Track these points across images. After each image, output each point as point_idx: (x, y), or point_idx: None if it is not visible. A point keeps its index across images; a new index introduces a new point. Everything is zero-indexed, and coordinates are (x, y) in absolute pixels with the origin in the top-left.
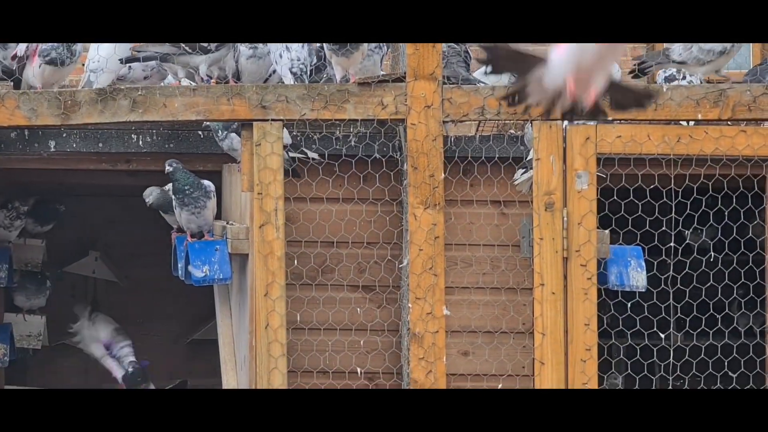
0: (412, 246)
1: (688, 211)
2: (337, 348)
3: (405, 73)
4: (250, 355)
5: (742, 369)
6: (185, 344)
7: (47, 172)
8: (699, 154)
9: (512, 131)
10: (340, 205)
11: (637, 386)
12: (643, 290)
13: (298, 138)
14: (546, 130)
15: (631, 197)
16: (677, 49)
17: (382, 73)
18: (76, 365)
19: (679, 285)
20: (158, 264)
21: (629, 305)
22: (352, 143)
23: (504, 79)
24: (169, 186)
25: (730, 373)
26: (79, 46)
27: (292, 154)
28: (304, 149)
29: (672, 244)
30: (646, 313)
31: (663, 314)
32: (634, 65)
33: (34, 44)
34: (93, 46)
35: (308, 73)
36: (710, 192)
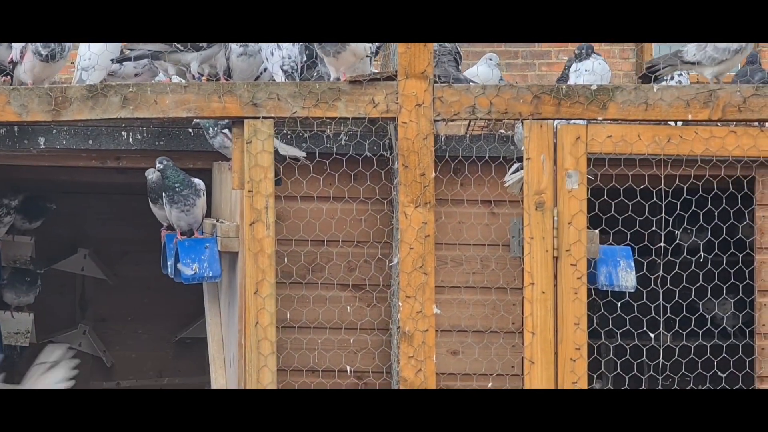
0: (403, 244)
1: (678, 211)
2: (326, 346)
3: (396, 71)
4: (240, 353)
5: (732, 369)
6: (174, 342)
7: (37, 168)
8: (689, 154)
9: (502, 131)
10: (331, 204)
11: (626, 385)
12: (633, 290)
13: (288, 136)
14: (537, 130)
15: (622, 197)
16: (691, 50)
17: (373, 71)
18: None
19: (668, 285)
20: (147, 262)
21: (619, 305)
22: (343, 141)
23: (495, 79)
24: (164, 165)
25: (719, 373)
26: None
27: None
28: (286, 147)
29: (662, 244)
30: (636, 313)
31: (653, 314)
32: (646, 67)
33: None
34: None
35: (299, 70)
36: (700, 192)
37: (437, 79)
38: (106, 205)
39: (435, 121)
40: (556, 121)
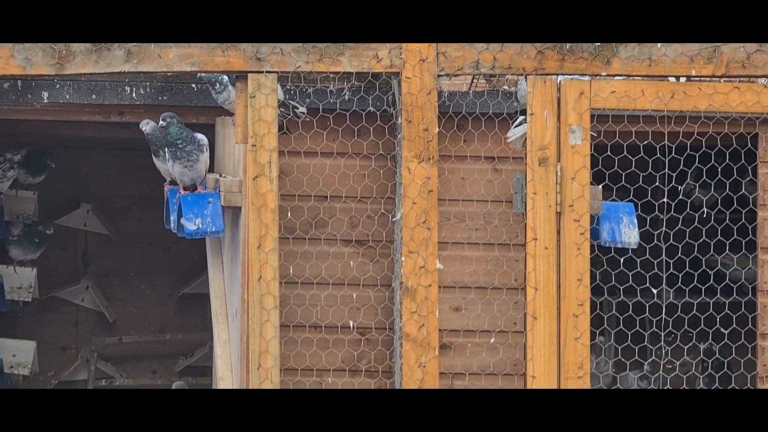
0: (406, 199)
1: (681, 167)
2: (329, 302)
3: None
4: (242, 308)
5: (734, 325)
6: (176, 297)
7: (40, 123)
8: (693, 110)
9: (506, 87)
10: (334, 159)
11: (629, 342)
12: (636, 246)
13: (292, 91)
14: (540, 85)
15: (625, 153)
16: None
17: None
18: (66, 318)
19: (671, 241)
20: (150, 217)
21: (622, 261)
22: (347, 97)
23: None
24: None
25: (722, 329)
26: None
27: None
28: (291, 103)
29: (665, 200)
30: (639, 269)
31: (655, 270)
32: None
33: None
34: None
35: None
36: (704, 148)
37: None
38: (109, 161)
39: (438, 76)
40: (559, 77)
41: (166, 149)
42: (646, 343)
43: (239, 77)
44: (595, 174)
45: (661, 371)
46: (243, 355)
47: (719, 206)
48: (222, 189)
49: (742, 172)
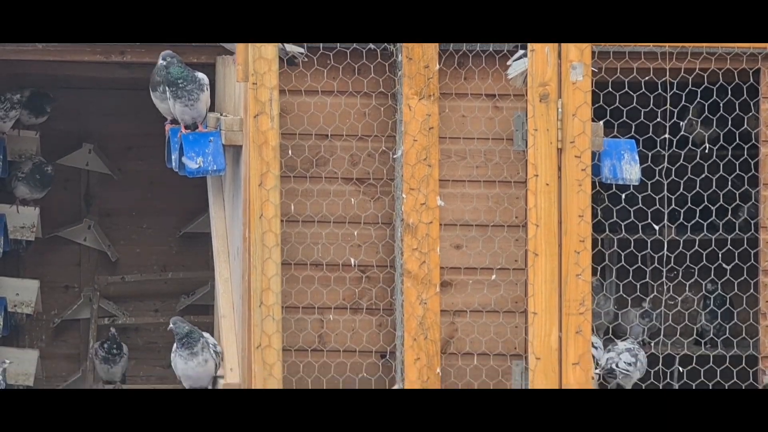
0: (407, 137)
1: (683, 103)
2: (330, 240)
3: None
4: (244, 246)
5: (736, 261)
6: (178, 236)
7: (41, 63)
8: (694, 45)
9: None
10: (335, 97)
11: (630, 278)
12: (637, 183)
13: None
14: None
15: (626, 89)
16: None
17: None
18: (69, 257)
19: (673, 177)
20: (152, 156)
21: (623, 197)
22: None
23: None
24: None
25: (724, 266)
26: None
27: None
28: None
29: (666, 135)
30: (641, 205)
31: (657, 206)
32: None
33: None
34: None
35: None
36: (705, 84)
37: None
38: (110, 100)
39: None
40: None
41: (167, 88)
42: (647, 279)
43: None
44: (596, 110)
45: (662, 307)
46: (245, 293)
47: (721, 142)
48: (223, 128)
49: (744, 108)
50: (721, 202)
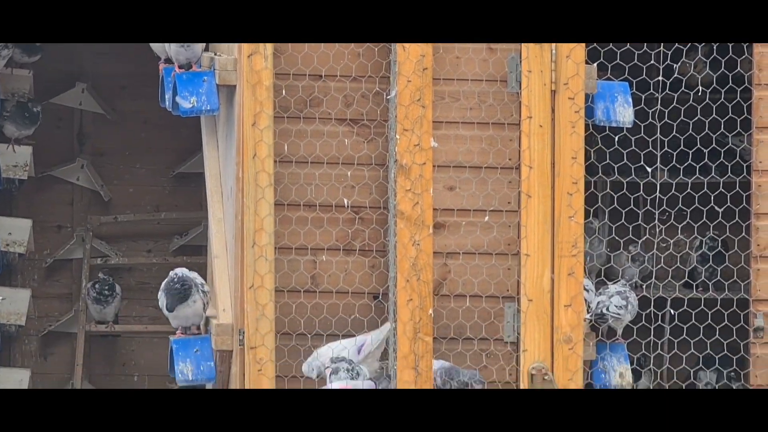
0: (401, 77)
1: (676, 45)
2: (324, 180)
3: None
4: (237, 186)
5: (728, 204)
6: (171, 176)
7: None
8: None
9: None
10: None
11: (622, 220)
12: (630, 125)
13: None
14: None
15: None
16: None
17: None
18: (61, 197)
19: (666, 119)
20: (145, 96)
21: (616, 139)
22: None
23: None
24: None
25: (716, 208)
26: None
27: None
28: None
29: (660, 78)
30: (633, 148)
31: (650, 149)
32: None
33: None
34: None
35: None
36: None
37: None
38: None
39: None
40: None
41: None
42: (639, 222)
43: None
44: (589, 52)
45: (654, 250)
46: (238, 233)
47: (714, 85)
48: (217, 67)
49: (737, 51)
50: (714, 145)
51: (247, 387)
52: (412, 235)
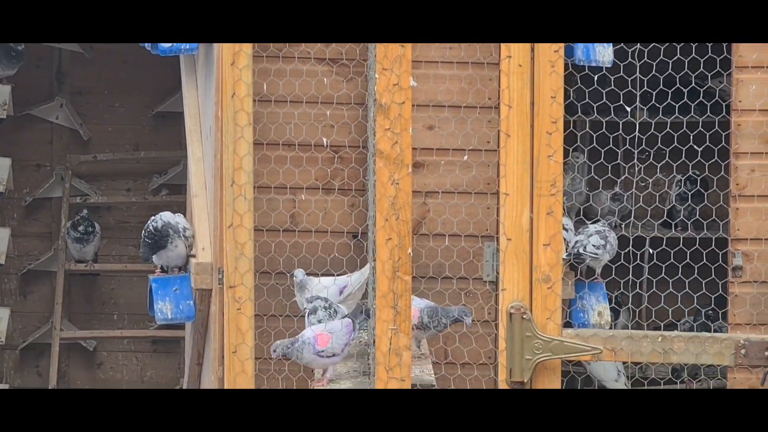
0: None
1: None
2: (303, 119)
3: None
4: (216, 126)
5: (708, 143)
6: (151, 116)
7: None
8: None
9: None
10: None
11: (601, 159)
12: (609, 65)
13: None
14: None
15: None
16: None
17: None
18: (41, 136)
19: (645, 59)
20: None
21: (595, 79)
22: None
23: None
24: None
25: (695, 147)
26: None
27: None
28: None
29: None
30: (612, 87)
31: (629, 88)
32: None
33: None
34: None
35: None
36: None
37: None
38: None
39: None
40: None
41: None
42: (619, 161)
43: None
44: None
45: (633, 189)
46: (217, 173)
47: None
48: None
49: None
50: (693, 84)
51: (226, 326)
52: (391, 174)
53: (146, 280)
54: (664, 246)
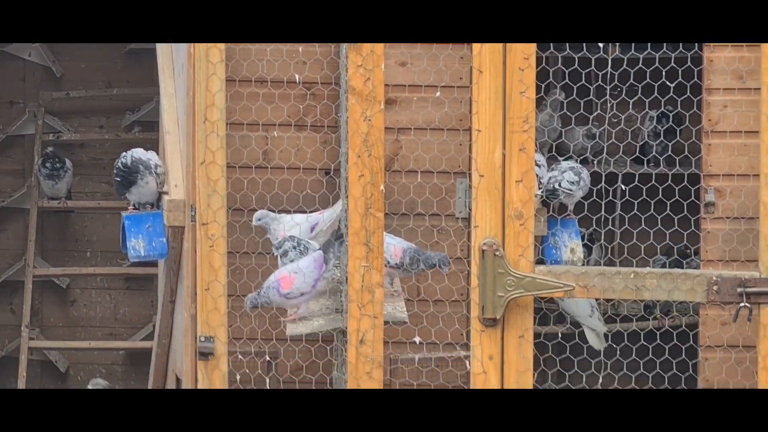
0: None
1: None
2: (275, 56)
3: None
4: (188, 62)
5: (680, 79)
6: (124, 52)
7: None
8: None
9: None
10: None
11: (574, 95)
12: None
13: None
14: None
15: None
16: None
17: None
18: (13, 73)
19: None
20: None
21: None
22: None
23: None
24: None
25: (667, 83)
26: None
27: None
28: None
29: None
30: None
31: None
32: None
33: None
34: None
35: None
36: None
37: None
38: None
39: None
40: None
41: None
42: (591, 97)
43: None
44: None
45: (606, 125)
46: (189, 109)
47: None
48: None
49: None
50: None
51: (198, 263)
52: (364, 111)
53: (119, 217)
54: (636, 182)
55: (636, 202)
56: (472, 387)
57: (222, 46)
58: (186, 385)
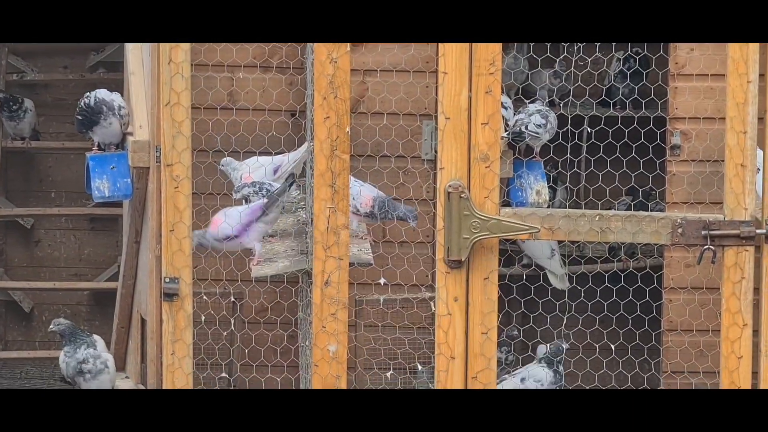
0: None
1: None
2: None
3: None
4: None
5: None
6: None
7: None
8: None
9: None
10: None
11: None
12: None
13: None
14: None
15: None
16: None
17: None
18: None
19: None
20: None
21: None
22: None
23: None
24: None
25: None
26: None
27: None
28: None
29: None
30: None
31: None
32: None
33: None
34: None
35: None
36: None
37: None
38: None
39: None
40: None
41: None
42: None
43: None
44: None
45: (572, 68)
46: (153, 50)
47: None
48: None
49: None
50: None
51: (163, 204)
52: (330, 53)
53: (84, 158)
54: (602, 125)
55: (602, 144)
56: (437, 328)
57: None
58: (150, 325)
